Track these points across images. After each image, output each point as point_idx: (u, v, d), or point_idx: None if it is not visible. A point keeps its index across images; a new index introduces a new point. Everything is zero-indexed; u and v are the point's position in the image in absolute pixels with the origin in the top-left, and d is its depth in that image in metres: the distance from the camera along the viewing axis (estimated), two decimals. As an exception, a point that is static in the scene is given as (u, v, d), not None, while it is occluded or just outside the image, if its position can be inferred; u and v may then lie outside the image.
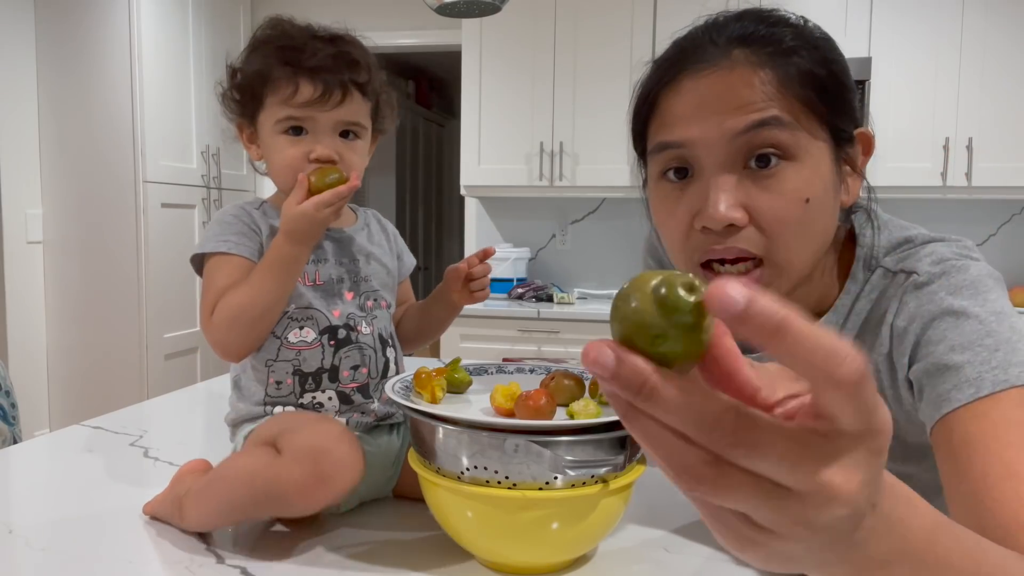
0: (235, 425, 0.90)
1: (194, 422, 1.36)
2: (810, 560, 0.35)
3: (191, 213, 3.49)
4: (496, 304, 3.22)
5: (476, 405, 0.78)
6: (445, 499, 0.71)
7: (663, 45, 0.73)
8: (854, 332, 0.71)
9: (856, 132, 0.68)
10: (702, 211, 0.65)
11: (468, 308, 3.54)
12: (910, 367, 0.66)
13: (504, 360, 1.26)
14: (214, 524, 0.78)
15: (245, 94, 0.89)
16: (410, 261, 1.04)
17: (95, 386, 3.31)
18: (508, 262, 3.42)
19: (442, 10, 1.68)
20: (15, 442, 1.41)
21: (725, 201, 0.64)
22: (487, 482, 0.68)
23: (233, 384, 0.91)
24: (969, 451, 0.59)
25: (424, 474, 0.72)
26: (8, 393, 1.45)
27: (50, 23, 3.25)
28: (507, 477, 0.67)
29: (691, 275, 0.30)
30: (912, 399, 0.68)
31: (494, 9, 1.68)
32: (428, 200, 6.00)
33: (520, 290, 3.32)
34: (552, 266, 3.66)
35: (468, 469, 0.68)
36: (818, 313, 0.73)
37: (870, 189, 0.74)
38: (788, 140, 0.63)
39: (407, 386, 0.80)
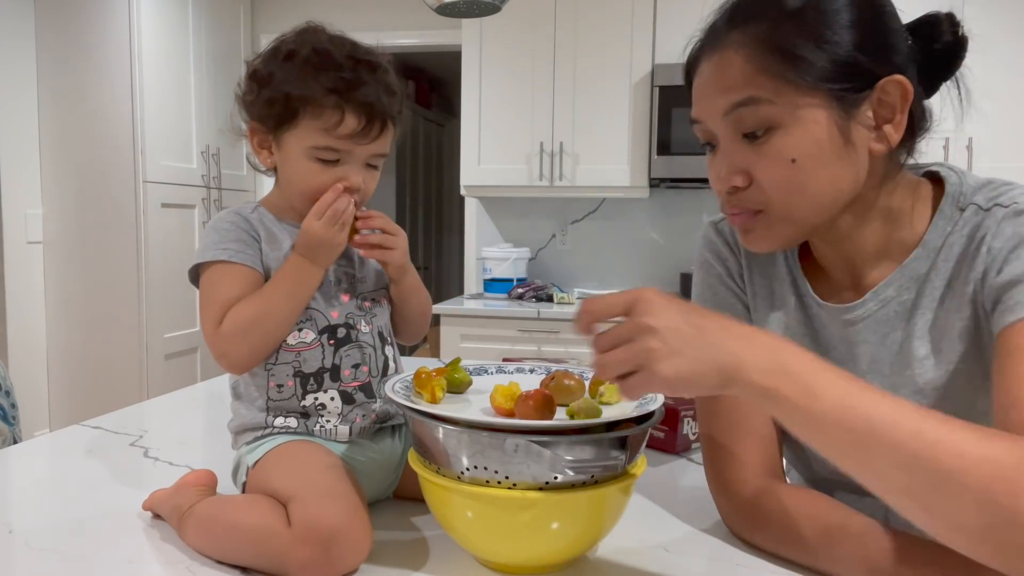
0: (238, 433, 0.89)
1: (194, 422, 1.36)
2: (692, 373, 0.58)
3: (191, 213, 3.49)
4: (496, 304, 3.22)
5: (476, 405, 0.78)
6: (445, 499, 0.71)
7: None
8: (949, 264, 0.74)
9: (882, 82, 0.69)
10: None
11: (468, 308, 3.52)
12: (996, 278, 0.69)
13: (504, 360, 1.26)
14: (215, 558, 0.77)
15: (277, 106, 0.84)
16: None
17: (95, 386, 3.31)
18: (508, 262, 3.42)
19: (442, 10, 1.68)
20: (15, 442, 1.41)
21: (726, 168, 0.74)
22: (487, 482, 0.68)
23: (232, 390, 0.91)
24: (1021, 356, 0.62)
25: (424, 474, 0.72)
26: (8, 393, 1.45)
27: (50, 23, 3.25)
28: (507, 477, 0.67)
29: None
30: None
31: (494, 9, 1.68)
32: (428, 200, 6.00)
33: (520, 290, 3.32)
34: (552, 266, 3.66)
35: (468, 469, 0.68)
36: (907, 248, 0.76)
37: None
38: (767, 113, 0.70)
39: (407, 386, 0.80)
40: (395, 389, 0.77)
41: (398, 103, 0.87)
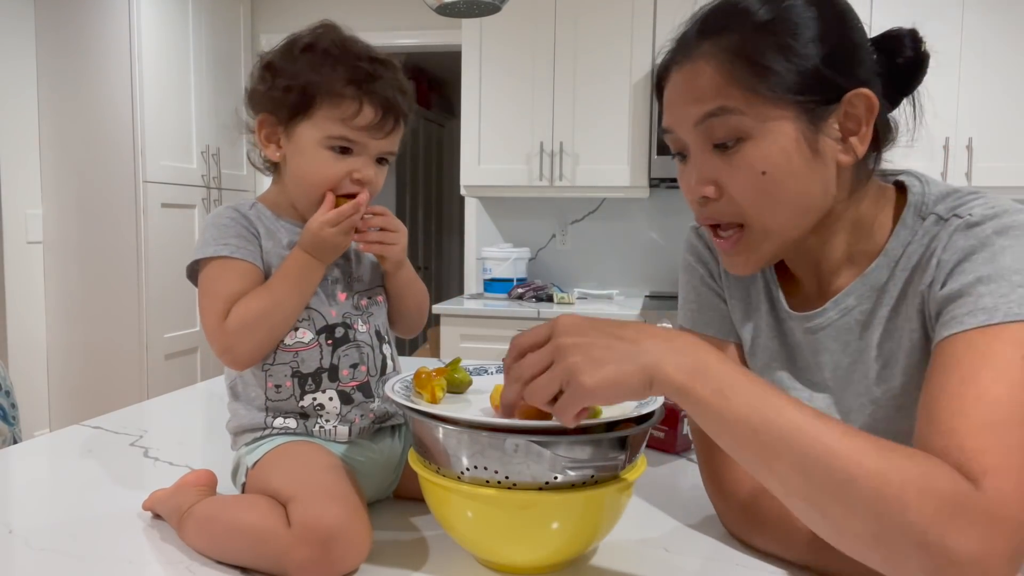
0: (236, 433, 0.89)
1: (194, 422, 1.36)
2: (616, 376, 0.60)
3: (191, 213, 3.49)
4: (496, 304, 3.22)
5: (476, 405, 0.78)
6: (445, 499, 0.71)
7: (663, 45, 0.79)
8: (906, 273, 0.74)
9: (848, 95, 0.70)
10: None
11: (468, 308, 3.51)
12: (940, 291, 0.69)
13: (504, 360, 1.26)
14: (214, 558, 0.77)
15: (293, 95, 0.85)
16: None
17: (95, 386, 3.31)
18: (508, 262, 3.42)
19: (442, 10, 1.68)
20: (15, 442, 1.41)
21: (697, 178, 0.75)
22: (487, 482, 0.68)
23: (230, 390, 0.91)
24: (954, 365, 0.63)
25: (424, 474, 0.72)
26: (8, 393, 1.45)
27: (50, 23, 3.25)
28: (507, 477, 0.67)
29: None
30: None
31: (494, 9, 1.68)
32: (428, 200, 6.00)
33: (520, 290, 3.32)
34: (552, 266, 3.66)
35: (468, 469, 0.68)
36: (870, 257, 0.77)
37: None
38: (737, 124, 0.71)
39: (407, 386, 0.80)
40: (395, 389, 0.77)
41: (409, 103, 0.88)
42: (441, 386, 0.77)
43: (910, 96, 0.77)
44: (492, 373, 0.89)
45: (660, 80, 0.78)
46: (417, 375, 0.79)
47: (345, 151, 0.86)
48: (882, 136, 0.75)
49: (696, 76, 0.72)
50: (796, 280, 0.85)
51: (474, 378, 0.85)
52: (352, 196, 0.86)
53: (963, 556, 0.53)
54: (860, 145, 0.72)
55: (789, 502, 0.61)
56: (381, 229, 0.89)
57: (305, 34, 0.88)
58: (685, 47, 0.74)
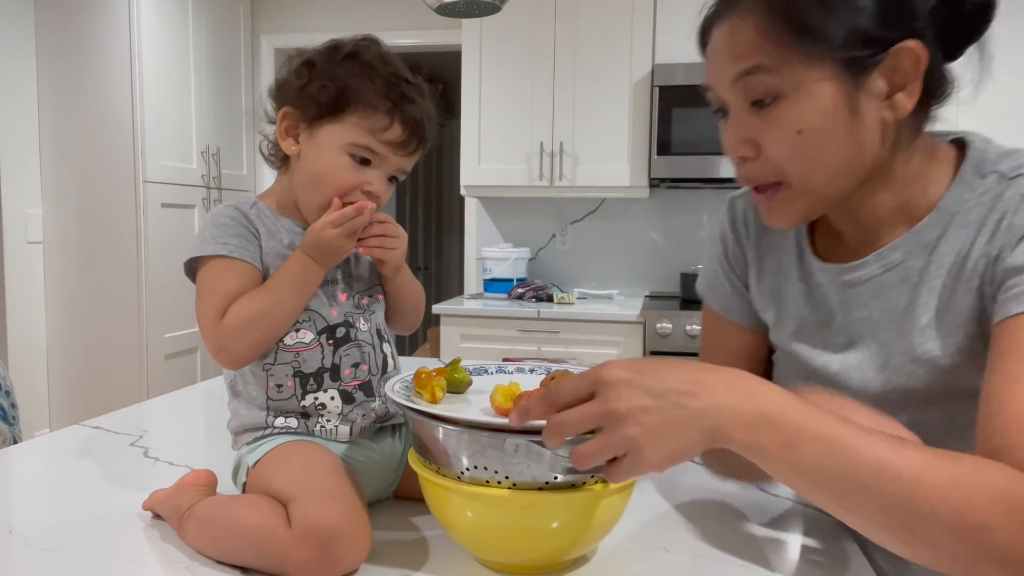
0: (237, 433, 0.89)
1: (194, 422, 1.36)
2: (679, 450, 0.58)
3: (191, 213, 3.49)
4: (496, 304, 3.22)
5: (476, 405, 0.78)
6: (445, 499, 0.71)
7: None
8: (963, 232, 0.71)
9: (893, 49, 0.67)
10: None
11: (468, 308, 3.51)
12: (1008, 258, 0.66)
13: (504, 360, 1.26)
14: (215, 558, 0.77)
15: (328, 95, 0.85)
16: None
17: (95, 386, 3.31)
18: (508, 262, 3.42)
19: (442, 10, 1.68)
20: (15, 442, 1.41)
21: (734, 137, 0.73)
22: (487, 482, 0.68)
23: (230, 389, 0.91)
24: (1017, 354, 0.61)
25: (424, 474, 0.72)
26: (8, 393, 1.45)
27: (50, 23, 3.25)
28: (507, 477, 0.67)
29: None
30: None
31: (494, 9, 1.68)
32: (428, 200, 6.00)
33: (520, 290, 3.32)
34: (552, 266, 3.66)
35: (468, 469, 0.68)
36: (921, 214, 0.74)
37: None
38: (774, 82, 0.69)
39: (407, 386, 0.80)
40: (395, 389, 0.77)
41: (431, 129, 0.90)
42: (441, 386, 0.77)
43: (978, 43, 0.72)
44: (492, 373, 0.89)
45: (703, 37, 0.76)
46: (417, 375, 0.79)
47: (364, 162, 0.86)
48: (935, 90, 0.71)
49: (735, 32, 0.70)
50: (838, 236, 0.82)
51: (474, 378, 0.85)
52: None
53: None
54: (907, 101, 0.69)
55: (875, 538, 0.60)
56: (381, 235, 0.89)
57: (348, 42, 0.88)
58: (726, 3, 0.72)
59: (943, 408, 0.74)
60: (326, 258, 0.86)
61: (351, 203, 0.86)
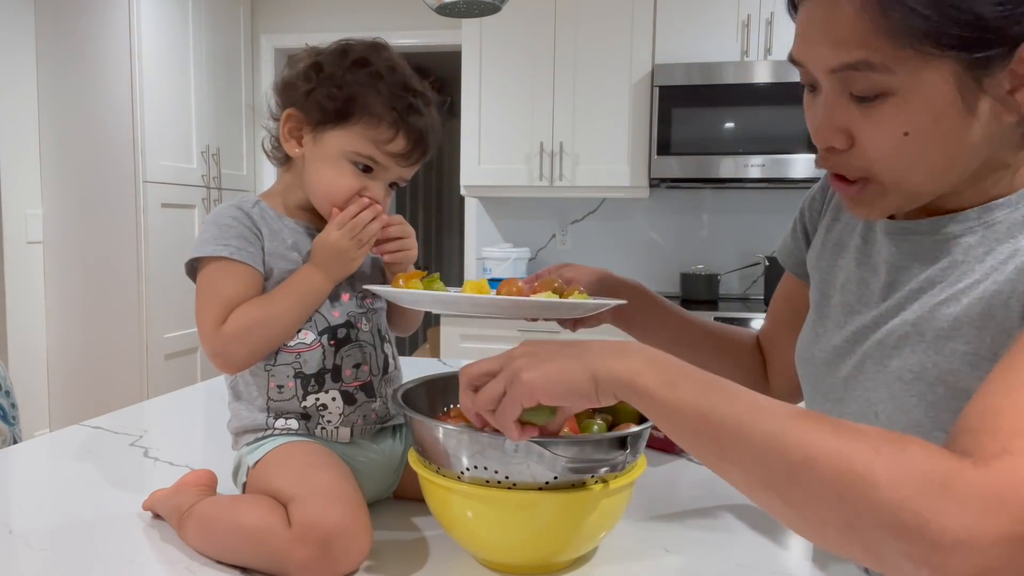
0: (238, 433, 0.89)
1: (194, 422, 1.36)
2: (559, 373, 0.61)
3: (191, 213, 3.49)
4: (496, 304, 3.21)
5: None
6: (445, 499, 0.71)
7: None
8: None
9: (1022, 47, 0.59)
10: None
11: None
12: None
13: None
14: (215, 558, 0.77)
15: (334, 103, 0.85)
16: None
17: (95, 386, 3.31)
18: (508, 262, 3.41)
19: (442, 10, 1.68)
20: (15, 442, 1.41)
21: (826, 125, 0.65)
22: (487, 482, 0.68)
23: (231, 390, 0.90)
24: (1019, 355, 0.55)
25: (424, 474, 0.72)
26: (8, 393, 1.45)
27: (50, 23, 3.25)
28: (507, 477, 0.67)
29: None
30: None
31: (494, 9, 1.68)
32: (428, 200, 6.00)
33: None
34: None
35: (468, 469, 0.68)
36: (994, 196, 0.67)
37: None
38: (882, 80, 0.61)
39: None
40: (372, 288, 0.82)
41: (435, 139, 0.90)
42: (416, 286, 0.80)
43: None
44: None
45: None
46: (395, 281, 0.84)
47: (367, 170, 0.87)
48: None
49: (837, 14, 0.61)
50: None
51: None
52: None
53: (948, 538, 0.45)
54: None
55: (753, 496, 0.56)
56: (398, 238, 0.90)
57: (358, 46, 0.88)
58: None
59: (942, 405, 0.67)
60: (331, 267, 0.85)
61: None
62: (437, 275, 0.85)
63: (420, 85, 0.89)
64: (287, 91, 0.88)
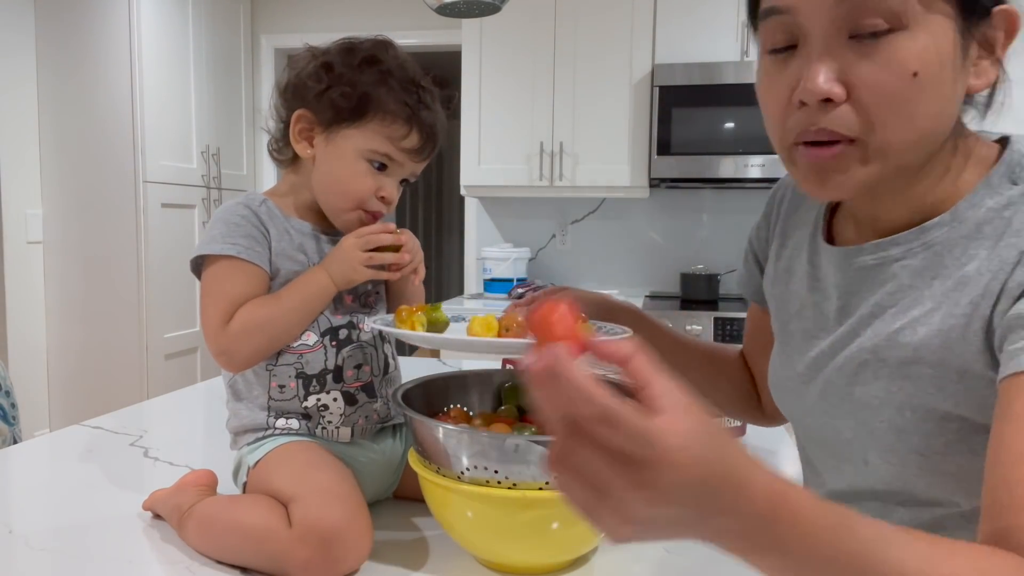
0: (238, 433, 0.89)
1: (194, 422, 1.36)
2: (679, 524, 0.44)
3: (191, 213, 3.49)
4: (496, 304, 3.21)
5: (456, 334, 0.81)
6: (445, 499, 0.71)
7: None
8: (973, 243, 0.62)
9: (995, 9, 0.59)
10: (801, 83, 0.60)
11: (469, 308, 3.49)
12: (1017, 301, 0.57)
13: (504, 361, 1.26)
14: (215, 558, 0.77)
15: (347, 102, 0.85)
16: None
17: (95, 386, 3.31)
18: (508, 262, 3.41)
19: (442, 10, 1.68)
20: (15, 442, 1.41)
21: (824, 73, 0.59)
22: (487, 482, 0.68)
23: (230, 389, 0.90)
24: (1018, 416, 0.52)
25: (424, 474, 0.72)
26: (8, 393, 1.45)
27: (50, 23, 3.25)
28: (507, 477, 0.67)
29: None
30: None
31: (494, 9, 1.68)
32: (428, 200, 6.00)
33: (520, 290, 3.32)
34: (552, 266, 3.66)
35: (468, 469, 0.68)
36: (932, 213, 0.65)
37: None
38: (898, 6, 0.56)
39: (388, 324, 0.82)
40: (376, 324, 0.81)
41: (443, 133, 0.91)
42: (421, 321, 0.80)
43: None
44: (467, 320, 0.90)
45: None
46: (398, 314, 0.82)
47: (382, 168, 0.87)
48: (999, 74, 0.62)
49: None
50: (855, 219, 0.73)
51: (452, 323, 0.88)
52: (374, 214, 0.88)
53: None
54: (991, 71, 0.60)
55: None
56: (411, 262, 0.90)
57: (364, 44, 0.88)
58: None
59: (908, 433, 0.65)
60: (341, 271, 0.85)
61: (371, 212, 0.88)
62: (439, 305, 0.85)
63: (430, 83, 0.90)
64: (297, 92, 0.88)
